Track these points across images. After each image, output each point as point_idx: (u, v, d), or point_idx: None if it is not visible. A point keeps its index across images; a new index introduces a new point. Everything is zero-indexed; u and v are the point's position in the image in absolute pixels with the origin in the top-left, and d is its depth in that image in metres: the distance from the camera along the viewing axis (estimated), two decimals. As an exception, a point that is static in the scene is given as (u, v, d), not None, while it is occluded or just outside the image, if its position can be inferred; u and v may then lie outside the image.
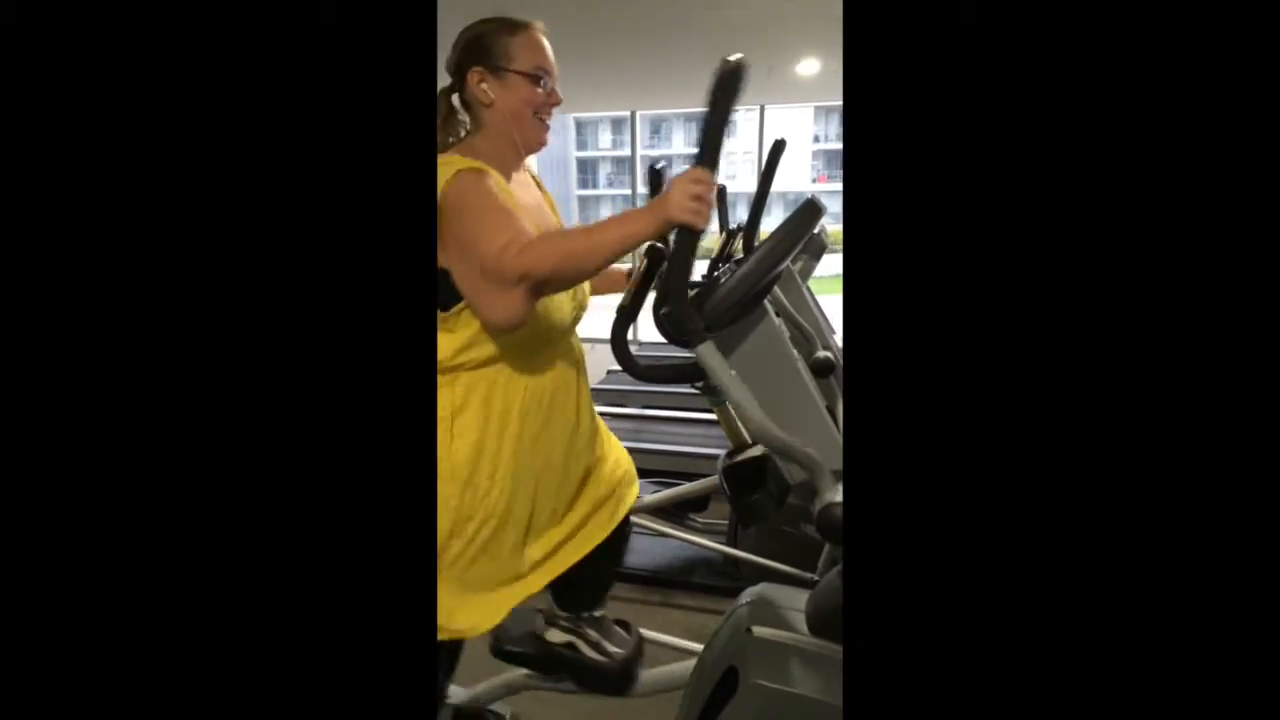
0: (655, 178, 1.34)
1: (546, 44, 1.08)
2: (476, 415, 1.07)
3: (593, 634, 1.37)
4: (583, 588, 1.33)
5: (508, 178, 1.08)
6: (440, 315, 1.03)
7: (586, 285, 1.18)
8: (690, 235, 0.85)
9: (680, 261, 0.86)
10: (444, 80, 1.07)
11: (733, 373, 0.89)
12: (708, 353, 0.87)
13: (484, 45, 1.06)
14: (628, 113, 5.48)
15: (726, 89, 0.79)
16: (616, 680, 1.35)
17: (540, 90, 1.06)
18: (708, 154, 0.83)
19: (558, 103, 1.09)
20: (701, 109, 0.80)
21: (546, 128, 1.10)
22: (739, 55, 0.79)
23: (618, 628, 1.42)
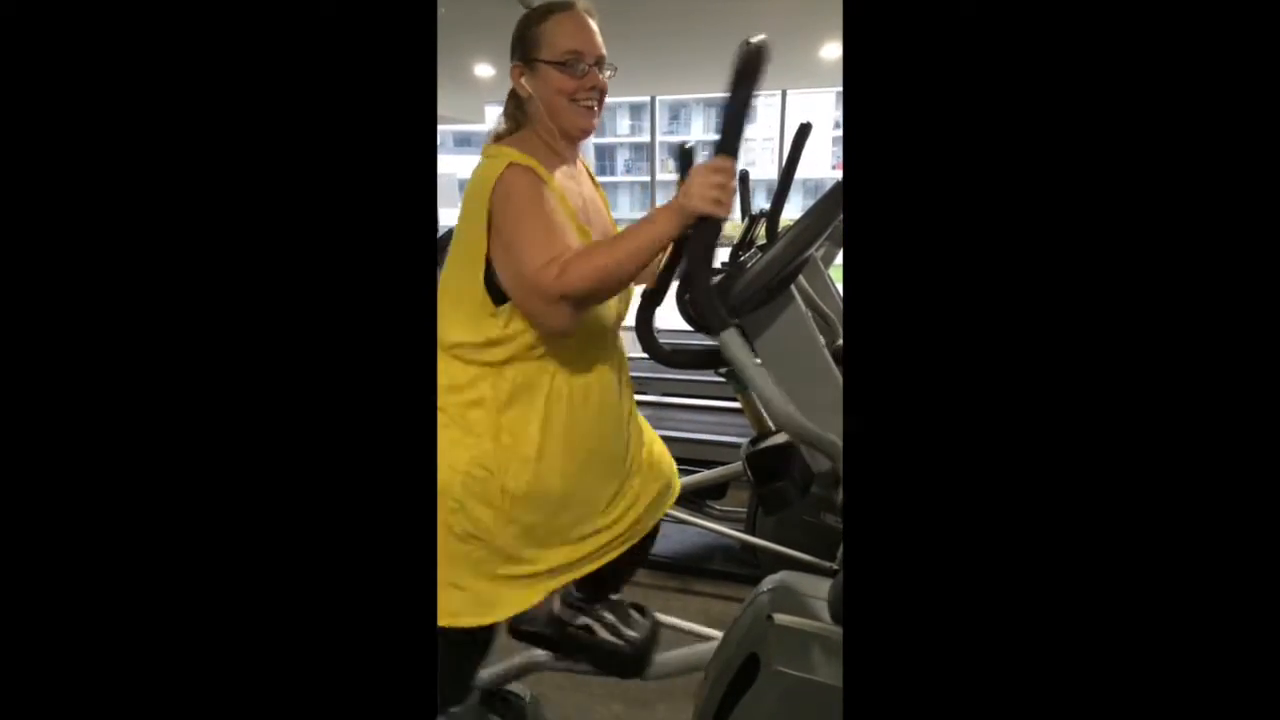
0: (685, 158, 1.32)
1: (588, 24, 1.04)
2: (526, 406, 1.07)
3: (609, 617, 1.39)
4: (604, 575, 1.33)
5: (555, 168, 1.07)
6: (491, 309, 1.03)
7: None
8: (711, 224, 0.83)
9: (701, 250, 0.85)
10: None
11: (756, 360, 0.88)
12: (730, 340, 0.86)
13: (521, 38, 1.05)
14: (647, 98, 5.44)
15: (748, 71, 0.76)
16: (632, 663, 1.37)
17: (571, 76, 1.03)
18: (728, 140, 0.81)
19: (594, 85, 1.05)
20: (722, 94, 0.78)
21: (589, 111, 1.06)
22: (761, 36, 0.77)
23: (634, 612, 1.43)
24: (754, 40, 0.76)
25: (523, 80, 1.06)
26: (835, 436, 0.91)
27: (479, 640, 1.21)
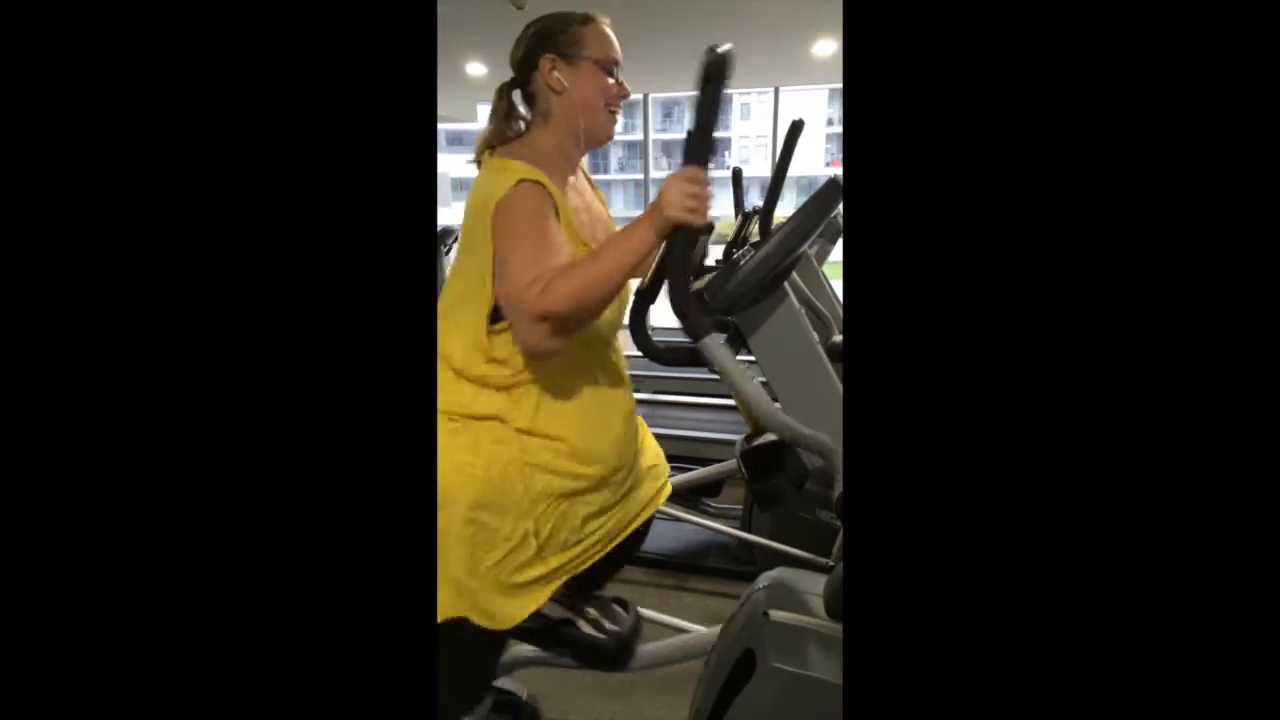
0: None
1: (614, 37, 1.08)
2: (522, 425, 1.06)
3: (591, 611, 1.38)
4: (590, 570, 1.33)
5: (566, 177, 1.08)
6: (491, 328, 1.03)
7: (629, 286, 1.17)
8: (688, 232, 0.85)
9: (679, 260, 0.86)
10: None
11: (742, 366, 0.88)
12: (713, 345, 0.87)
13: (555, 34, 1.05)
14: (640, 96, 5.43)
15: (713, 80, 0.78)
16: (613, 656, 1.36)
17: (612, 81, 1.06)
18: (699, 149, 0.82)
19: (627, 95, 1.09)
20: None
21: (615, 120, 1.09)
22: (727, 46, 0.78)
23: (616, 606, 1.43)
24: (720, 49, 0.78)
25: (556, 74, 1.04)
26: (826, 435, 0.92)
27: (495, 641, 1.20)
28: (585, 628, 1.37)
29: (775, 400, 1.79)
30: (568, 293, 0.91)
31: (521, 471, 1.06)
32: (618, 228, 1.17)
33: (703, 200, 0.84)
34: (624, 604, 1.44)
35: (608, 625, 1.38)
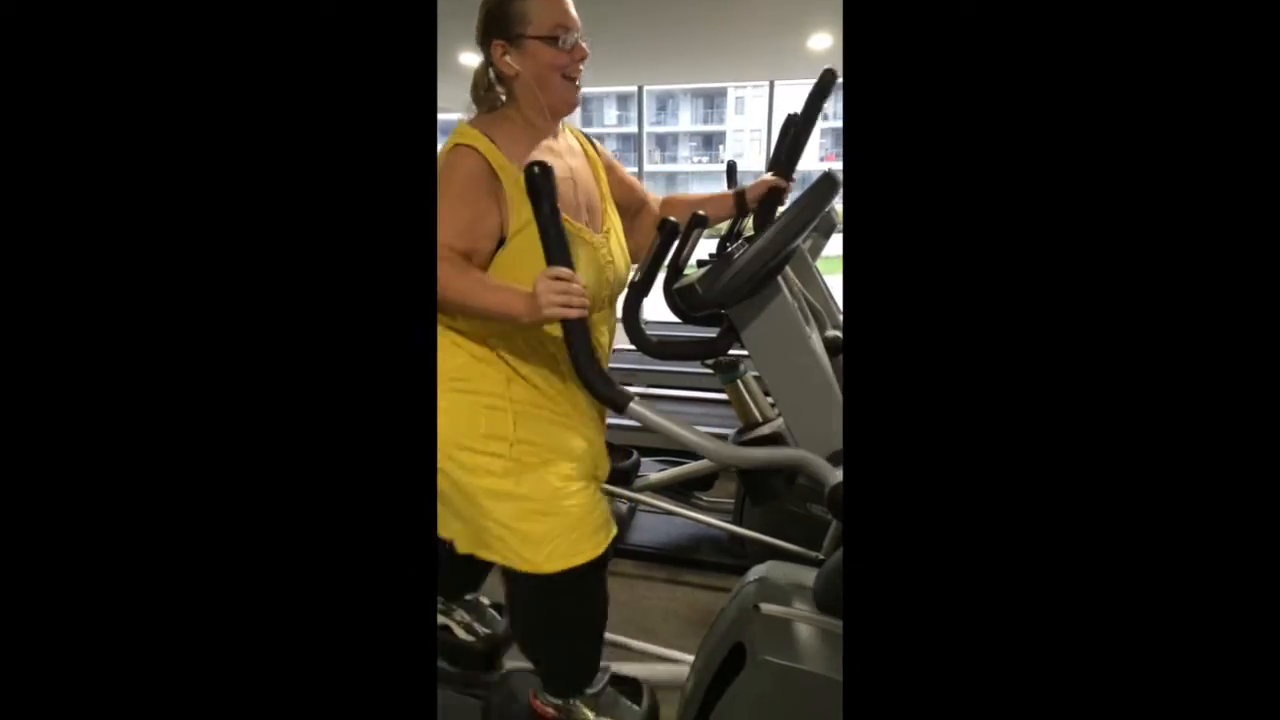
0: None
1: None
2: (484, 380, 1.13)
3: (465, 616, 1.49)
4: (464, 574, 1.42)
5: (536, 144, 1.08)
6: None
7: (622, 265, 1.17)
8: (576, 322, 0.91)
9: (580, 345, 0.93)
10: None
11: (671, 421, 0.96)
12: (639, 411, 0.95)
13: (501, 15, 1.04)
14: (634, 88, 5.40)
15: (539, 191, 0.86)
16: (482, 658, 1.47)
17: (561, 51, 1.03)
18: (556, 253, 0.90)
19: (583, 57, 1.06)
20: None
21: (576, 86, 1.07)
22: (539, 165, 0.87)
23: (491, 610, 1.52)
24: (534, 168, 0.86)
25: (506, 58, 1.04)
26: (798, 450, 0.95)
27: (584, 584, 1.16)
28: (458, 631, 1.48)
29: (768, 394, 1.79)
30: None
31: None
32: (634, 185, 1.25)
33: (573, 294, 0.89)
34: (499, 608, 1.52)
35: (478, 628, 1.48)
